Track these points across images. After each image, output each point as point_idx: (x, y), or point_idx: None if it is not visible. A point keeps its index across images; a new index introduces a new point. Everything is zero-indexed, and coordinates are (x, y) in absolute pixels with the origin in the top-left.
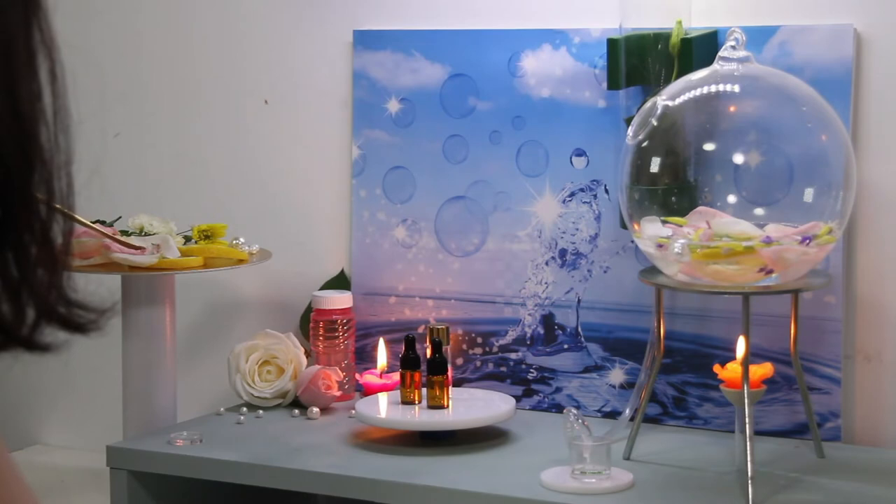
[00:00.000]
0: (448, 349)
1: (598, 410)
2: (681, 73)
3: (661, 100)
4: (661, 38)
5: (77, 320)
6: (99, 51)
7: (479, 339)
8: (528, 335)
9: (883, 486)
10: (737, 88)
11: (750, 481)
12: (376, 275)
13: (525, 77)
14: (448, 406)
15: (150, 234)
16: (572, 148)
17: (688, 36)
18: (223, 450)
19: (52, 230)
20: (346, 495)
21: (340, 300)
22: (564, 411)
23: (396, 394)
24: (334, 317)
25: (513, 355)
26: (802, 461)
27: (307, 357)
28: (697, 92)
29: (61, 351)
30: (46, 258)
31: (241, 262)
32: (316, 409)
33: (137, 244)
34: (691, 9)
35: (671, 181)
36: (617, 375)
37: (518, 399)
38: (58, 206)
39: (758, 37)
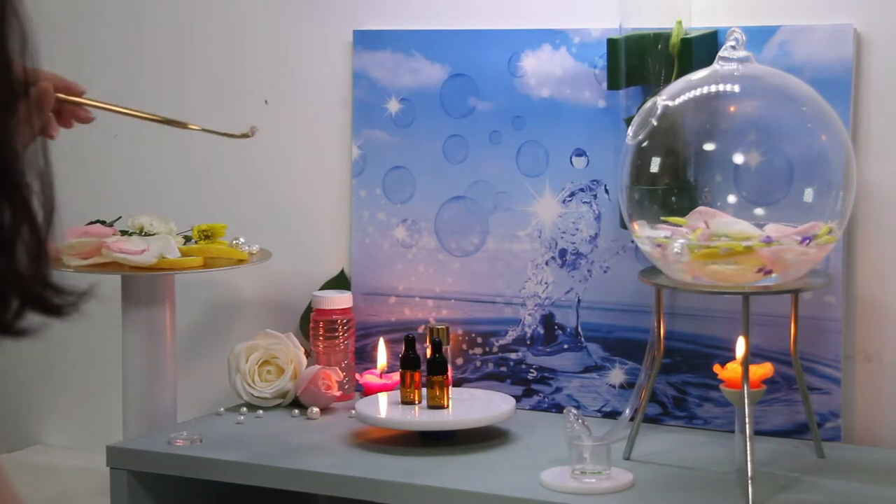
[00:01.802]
0: (448, 349)
1: (598, 410)
2: (681, 73)
3: (661, 100)
4: (661, 38)
5: (55, 302)
6: (99, 51)
7: (479, 339)
8: (528, 335)
9: (883, 486)
10: (737, 88)
11: (750, 481)
12: (376, 275)
13: (525, 77)
14: (448, 406)
15: (150, 234)
16: (572, 148)
17: (688, 36)
18: (223, 450)
19: (34, 213)
20: (346, 495)
21: (340, 300)
22: (564, 411)
23: (396, 394)
24: (334, 317)
25: (513, 355)
26: (802, 461)
27: (307, 357)
28: (697, 92)
29: (38, 335)
30: (30, 242)
31: (241, 262)
32: (316, 409)
33: (137, 247)
34: (691, 9)
35: (671, 181)
36: (617, 375)
37: (518, 399)
38: (98, 102)
39: (758, 37)
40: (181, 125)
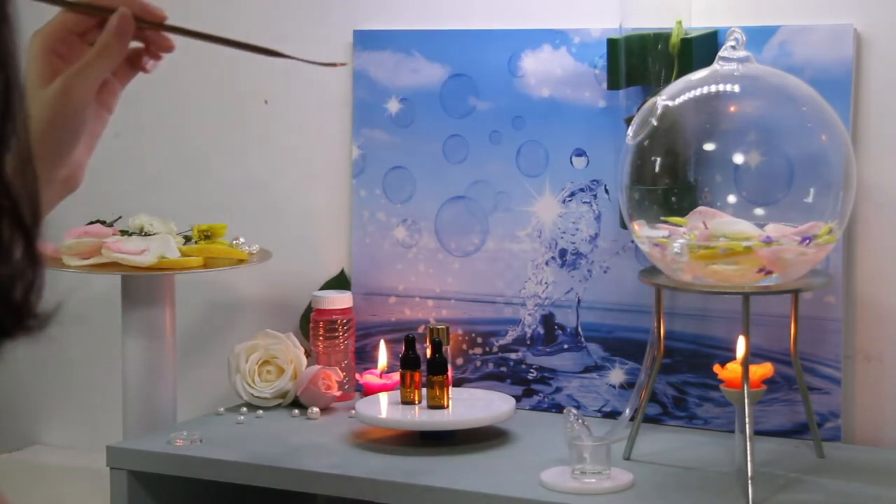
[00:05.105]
0: (448, 349)
1: (598, 410)
2: (681, 73)
3: (661, 100)
4: (661, 38)
5: (19, 326)
6: None
7: (479, 339)
8: (528, 335)
9: (883, 486)
10: (737, 88)
11: (750, 481)
12: (376, 275)
13: (525, 77)
14: (448, 406)
15: (150, 234)
16: (572, 148)
17: (688, 36)
18: (223, 450)
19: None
20: (346, 495)
21: (340, 300)
22: (564, 411)
23: (396, 394)
24: (334, 317)
25: (513, 355)
26: (802, 461)
27: (307, 357)
28: (697, 92)
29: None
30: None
31: (241, 262)
32: (316, 409)
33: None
34: (691, 9)
35: (671, 181)
36: (617, 375)
37: (518, 399)
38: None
39: (758, 37)
40: (274, 54)
